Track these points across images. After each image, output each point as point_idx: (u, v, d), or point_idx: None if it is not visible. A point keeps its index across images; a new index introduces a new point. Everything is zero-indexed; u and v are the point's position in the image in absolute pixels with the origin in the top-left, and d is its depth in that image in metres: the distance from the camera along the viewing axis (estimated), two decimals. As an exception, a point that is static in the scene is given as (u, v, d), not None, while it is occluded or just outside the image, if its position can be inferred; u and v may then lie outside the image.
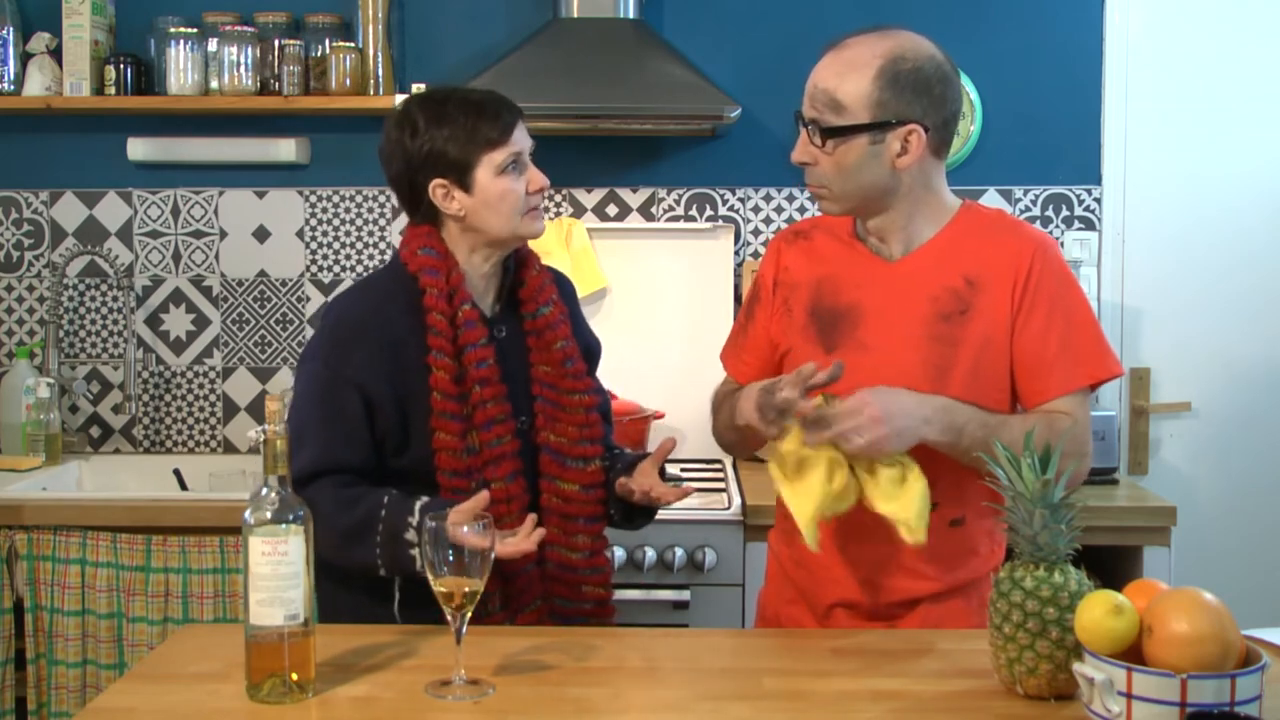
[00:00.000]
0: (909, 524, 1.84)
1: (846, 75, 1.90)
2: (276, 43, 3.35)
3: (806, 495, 1.85)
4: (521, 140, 2.02)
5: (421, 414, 1.96)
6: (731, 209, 3.48)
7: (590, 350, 2.18)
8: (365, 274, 3.41)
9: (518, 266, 2.09)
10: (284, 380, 3.49)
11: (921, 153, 1.92)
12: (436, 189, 1.99)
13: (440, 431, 1.95)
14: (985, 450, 1.86)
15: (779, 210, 3.47)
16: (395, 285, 2.02)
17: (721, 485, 3.07)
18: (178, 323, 3.52)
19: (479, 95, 2.04)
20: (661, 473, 2.07)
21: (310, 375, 2.00)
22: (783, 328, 2.07)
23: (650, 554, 2.79)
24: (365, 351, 1.97)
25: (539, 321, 2.06)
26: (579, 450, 2.03)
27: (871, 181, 1.93)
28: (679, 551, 2.79)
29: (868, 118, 1.90)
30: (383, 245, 3.48)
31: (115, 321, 3.51)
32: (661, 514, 2.82)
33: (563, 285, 2.19)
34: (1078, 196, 3.45)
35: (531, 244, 3.40)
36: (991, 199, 3.44)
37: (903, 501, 1.84)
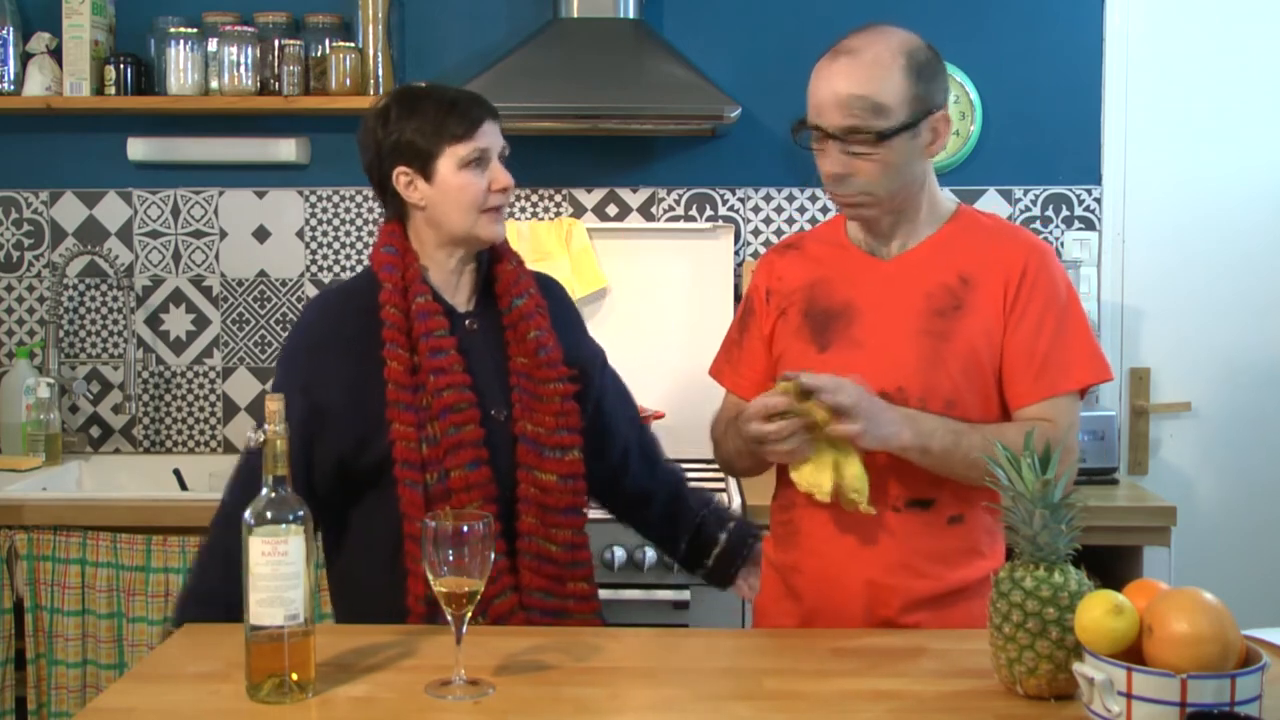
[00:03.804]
0: (819, 486, 1.87)
1: (879, 77, 1.90)
2: (276, 43, 3.35)
3: (824, 469, 1.87)
4: (489, 139, 2.03)
5: (380, 410, 1.98)
6: (731, 209, 3.48)
7: (586, 359, 2.17)
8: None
9: (492, 262, 2.11)
10: (284, 380, 3.49)
11: (948, 136, 1.96)
12: (400, 176, 2.03)
13: (395, 422, 1.96)
14: (960, 459, 1.87)
15: (779, 210, 3.47)
16: (364, 285, 2.06)
17: (721, 485, 3.07)
18: (178, 323, 3.52)
19: (454, 92, 2.08)
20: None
21: (272, 386, 2.08)
22: (779, 331, 2.06)
23: (650, 554, 2.79)
24: (318, 359, 2.02)
25: (513, 314, 2.07)
26: (556, 439, 2.03)
27: (909, 176, 1.96)
28: (679, 551, 2.79)
29: (907, 115, 1.91)
30: (383, 245, 3.48)
31: (115, 321, 3.51)
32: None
33: (552, 290, 2.20)
34: (1078, 196, 3.45)
35: (532, 244, 3.43)
36: (991, 199, 3.44)
37: (817, 479, 1.87)
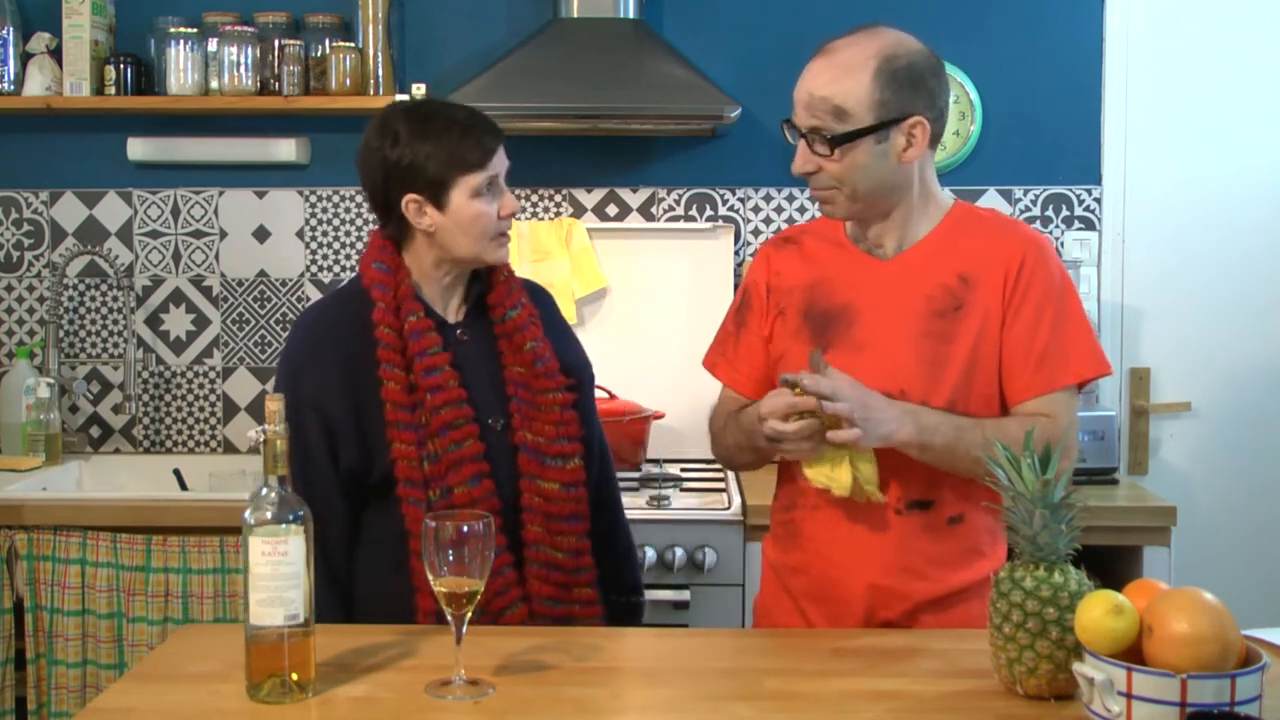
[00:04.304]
0: (838, 482, 1.88)
1: (844, 80, 1.89)
2: (276, 43, 3.35)
3: (842, 464, 1.87)
4: (500, 164, 2.02)
5: (380, 427, 1.97)
6: (731, 209, 3.48)
7: (574, 369, 2.14)
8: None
9: (486, 273, 2.10)
10: (284, 380, 3.49)
11: (925, 144, 1.93)
12: (410, 204, 2.00)
13: (396, 442, 1.96)
14: (962, 455, 1.87)
15: (779, 210, 3.47)
16: (355, 298, 2.04)
17: (721, 485, 3.08)
18: (178, 323, 3.52)
19: (463, 114, 2.04)
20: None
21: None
22: (778, 332, 2.06)
23: (650, 554, 2.79)
24: (319, 373, 2.00)
25: (508, 324, 2.06)
26: (556, 448, 2.03)
27: (880, 180, 1.93)
28: (679, 551, 2.80)
29: (872, 120, 1.89)
30: (383, 245, 3.48)
31: (115, 321, 3.51)
32: (662, 514, 2.85)
33: (541, 298, 2.18)
34: (1078, 196, 3.45)
35: (532, 244, 3.43)
36: (991, 199, 3.44)
37: (836, 474, 1.88)
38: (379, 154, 2.02)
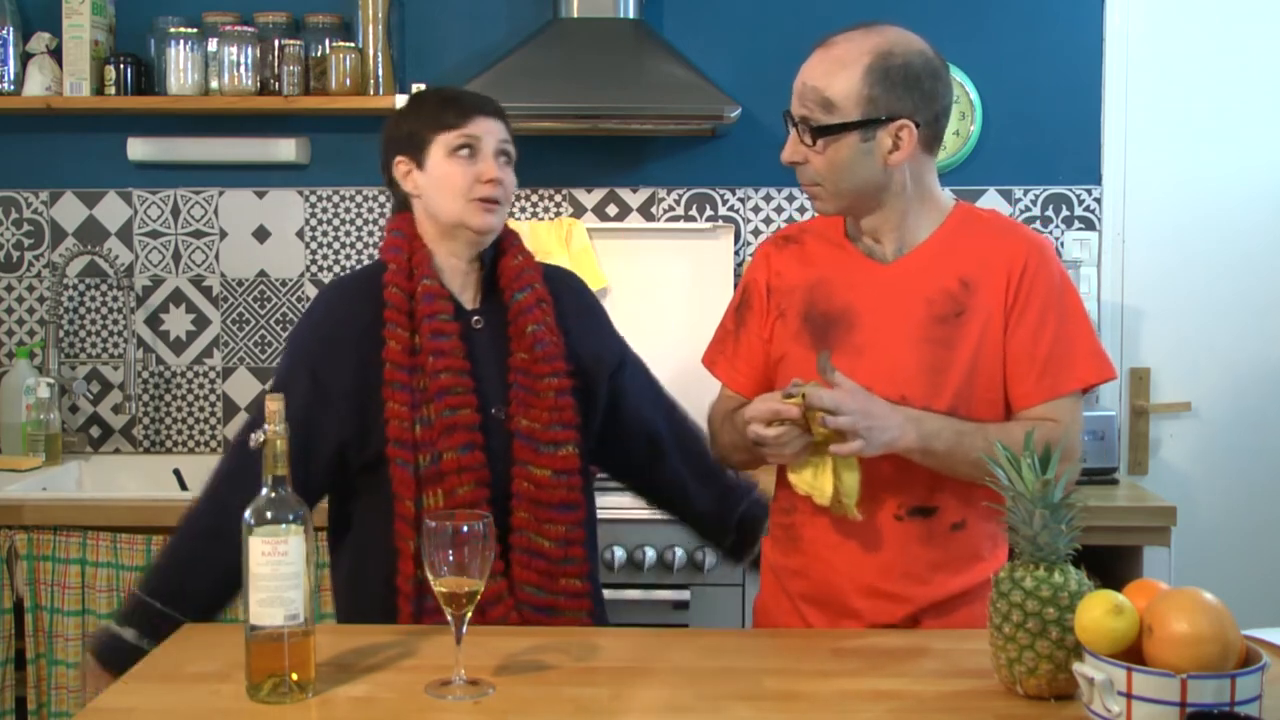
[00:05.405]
0: (819, 490, 1.88)
1: (835, 73, 1.89)
2: (276, 43, 3.35)
3: (824, 473, 1.87)
4: (483, 131, 2.06)
5: (382, 394, 1.99)
6: (731, 209, 3.48)
7: (595, 357, 2.15)
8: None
9: (496, 257, 2.11)
10: (284, 380, 3.49)
11: (913, 148, 1.91)
12: (399, 165, 2.09)
13: (390, 401, 1.97)
14: (962, 459, 1.86)
15: (779, 210, 3.47)
16: (374, 273, 2.07)
17: (721, 485, 3.07)
18: (178, 323, 3.52)
19: (461, 90, 2.17)
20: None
21: (279, 367, 2.10)
22: (777, 334, 2.04)
23: (650, 554, 2.79)
24: (329, 343, 2.03)
25: (513, 308, 2.07)
26: (550, 435, 2.02)
27: (864, 179, 1.92)
28: (679, 551, 2.80)
29: (858, 115, 1.89)
30: (383, 245, 3.49)
31: (115, 321, 3.52)
32: (662, 514, 2.85)
33: (568, 283, 2.20)
34: (1078, 196, 3.45)
35: (532, 244, 3.43)
36: (991, 199, 3.44)
37: (818, 482, 1.88)
38: (385, 129, 2.13)
